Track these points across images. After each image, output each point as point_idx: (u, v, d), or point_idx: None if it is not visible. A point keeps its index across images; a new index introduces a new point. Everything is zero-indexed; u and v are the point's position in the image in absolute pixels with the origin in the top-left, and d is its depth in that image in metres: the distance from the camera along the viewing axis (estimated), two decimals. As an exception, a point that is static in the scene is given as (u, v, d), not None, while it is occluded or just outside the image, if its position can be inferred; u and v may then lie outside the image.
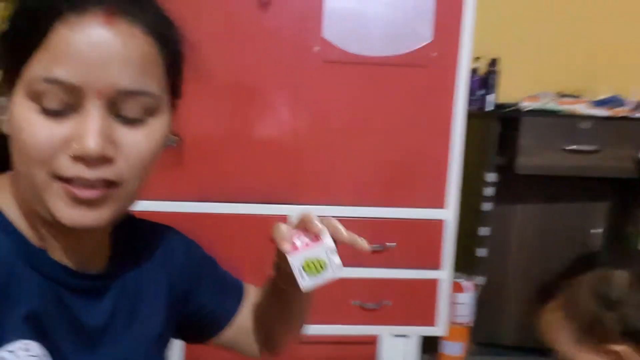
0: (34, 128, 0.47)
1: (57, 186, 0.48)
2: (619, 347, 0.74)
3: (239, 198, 1.58)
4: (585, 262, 0.85)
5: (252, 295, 0.76)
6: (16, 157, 0.49)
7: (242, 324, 0.74)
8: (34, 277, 0.51)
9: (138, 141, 0.50)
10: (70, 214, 0.49)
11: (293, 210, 1.60)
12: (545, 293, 0.84)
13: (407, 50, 1.55)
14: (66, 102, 0.47)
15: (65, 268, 0.53)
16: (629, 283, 0.76)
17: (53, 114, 0.47)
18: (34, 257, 0.51)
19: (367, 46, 1.54)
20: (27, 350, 0.48)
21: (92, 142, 0.46)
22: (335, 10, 1.52)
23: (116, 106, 0.49)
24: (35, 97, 0.47)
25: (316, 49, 1.53)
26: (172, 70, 0.54)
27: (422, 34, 1.55)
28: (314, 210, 1.66)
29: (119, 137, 0.49)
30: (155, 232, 0.66)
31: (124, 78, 0.48)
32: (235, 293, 0.74)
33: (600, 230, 1.83)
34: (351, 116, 1.59)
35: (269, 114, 1.57)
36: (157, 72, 0.51)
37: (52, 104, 0.47)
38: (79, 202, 0.49)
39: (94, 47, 0.46)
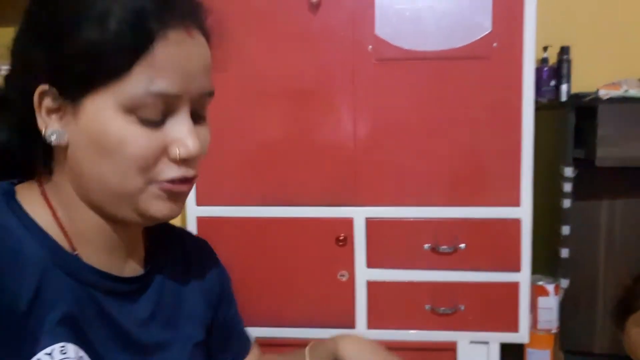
0: (136, 140, 0.49)
1: (155, 188, 0.52)
2: None
3: (301, 201, 1.61)
4: None
5: (256, 356, 0.75)
6: (106, 168, 0.50)
7: None
8: (68, 281, 0.51)
9: (206, 137, 0.56)
10: (163, 209, 0.53)
11: (355, 212, 1.60)
12: (629, 302, 0.77)
13: (466, 43, 1.51)
14: (163, 112, 0.51)
15: (99, 271, 0.54)
16: None
17: (153, 124, 0.50)
18: (68, 262, 0.52)
19: (422, 41, 1.52)
20: (64, 352, 0.49)
21: (195, 145, 0.51)
22: (386, 7, 1.51)
23: (196, 107, 0.54)
24: (133, 110, 0.49)
25: (370, 47, 1.53)
26: None
27: (481, 24, 1.50)
28: (379, 212, 1.64)
29: (198, 136, 0.54)
30: (191, 241, 0.68)
31: (208, 83, 0.54)
32: (240, 345, 0.73)
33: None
34: (411, 114, 1.56)
35: (327, 117, 1.59)
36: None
37: (152, 114, 0.50)
38: (171, 197, 0.53)
39: (189, 58, 0.51)
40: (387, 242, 1.61)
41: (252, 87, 1.57)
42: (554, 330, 1.70)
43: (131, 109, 0.49)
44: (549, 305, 1.68)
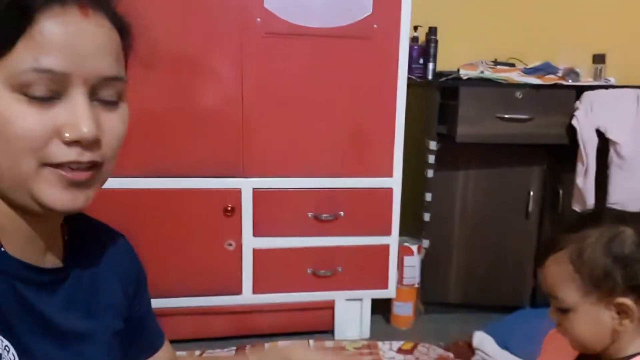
0: (24, 118, 0.48)
1: (49, 172, 0.50)
2: (625, 300, 0.79)
3: (189, 173, 1.60)
4: (587, 218, 0.90)
5: (169, 353, 0.77)
6: None
7: None
8: None
9: (116, 124, 0.55)
10: (61, 198, 0.51)
11: (243, 183, 1.63)
12: (550, 245, 0.86)
13: (349, 22, 1.59)
14: (52, 90, 0.49)
15: (21, 262, 0.53)
16: (636, 241, 0.80)
17: (40, 102, 0.49)
18: None
19: (308, 17, 1.56)
20: None
21: (87, 127, 0.50)
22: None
23: (96, 92, 0.52)
24: (20, 88, 0.48)
25: (258, 20, 1.54)
26: (126, 59, 0.58)
27: (363, 6, 1.58)
28: (265, 183, 1.69)
29: (100, 121, 0.53)
30: (108, 235, 0.68)
31: (107, 66, 0.52)
32: (151, 341, 0.75)
33: (535, 193, 1.95)
34: (296, 88, 1.62)
35: (214, 87, 1.58)
36: (123, 59, 0.56)
37: (39, 92, 0.48)
38: (71, 185, 0.52)
39: (79, 37, 0.50)
40: (273, 212, 1.68)
41: (137, 54, 1.49)
42: (416, 285, 1.93)
43: (18, 87, 0.48)
44: (413, 263, 1.90)
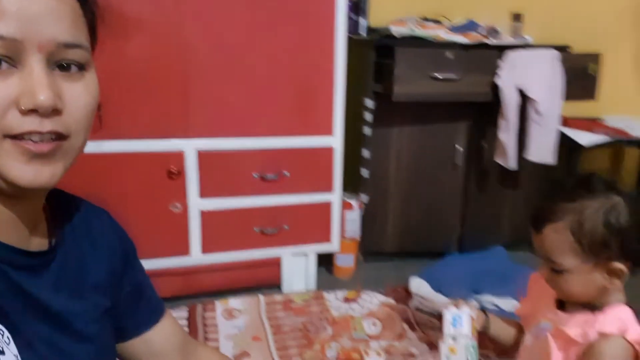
0: None
1: (8, 145, 0.49)
2: (620, 265, 0.91)
3: (130, 135, 1.56)
4: (579, 186, 0.96)
5: (171, 322, 0.78)
6: None
7: (153, 347, 0.75)
8: None
9: (79, 94, 0.53)
10: (25, 172, 0.50)
11: (187, 145, 1.62)
12: (547, 213, 0.94)
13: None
14: (7, 58, 0.48)
15: (7, 246, 0.53)
16: (629, 212, 0.91)
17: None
18: None
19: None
20: None
21: (44, 94, 0.48)
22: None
23: (55, 60, 0.51)
24: None
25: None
26: (91, 30, 0.57)
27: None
28: (209, 144, 1.68)
29: (61, 91, 0.51)
30: (92, 212, 0.68)
31: (62, 31, 0.50)
32: (152, 310, 0.76)
33: (462, 148, 2.10)
34: (237, 48, 1.60)
35: (153, 47, 1.53)
36: (84, 28, 0.54)
37: None
38: (33, 157, 0.50)
39: (31, 2, 0.48)
40: (219, 173, 1.69)
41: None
42: (357, 238, 2.04)
43: None
44: (354, 217, 2.00)
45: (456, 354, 1.04)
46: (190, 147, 1.63)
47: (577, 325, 0.94)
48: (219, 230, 1.73)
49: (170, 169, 1.62)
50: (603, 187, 0.94)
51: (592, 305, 0.95)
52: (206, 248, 1.72)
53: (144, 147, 1.58)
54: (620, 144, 2.42)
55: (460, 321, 1.08)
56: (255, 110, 1.68)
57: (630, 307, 0.95)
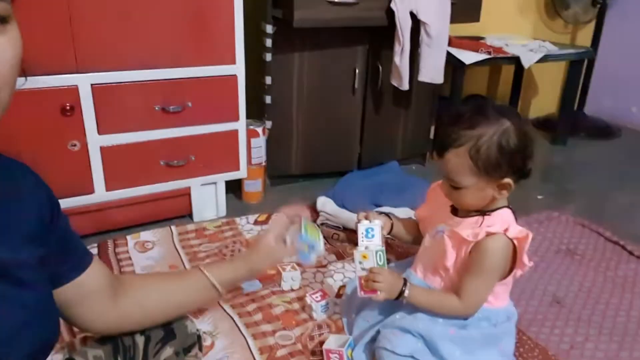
0: None
1: None
2: (508, 180, 1.06)
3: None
4: (476, 113, 1.07)
5: (99, 266, 0.82)
6: None
7: (84, 289, 0.79)
8: None
9: (3, 48, 0.53)
10: None
11: (79, 79, 1.53)
12: (449, 139, 1.06)
13: None
14: None
15: None
16: (517, 135, 1.04)
17: None
18: None
19: None
20: None
21: None
22: None
23: None
24: None
25: None
26: None
27: None
28: (104, 77, 1.62)
29: None
30: (18, 168, 0.68)
31: None
32: (81, 256, 0.80)
33: (360, 71, 2.18)
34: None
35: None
36: None
37: None
38: None
39: None
40: (117, 107, 1.63)
41: None
42: (263, 163, 2.10)
43: None
44: (259, 144, 2.05)
45: (367, 259, 1.18)
46: (83, 82, 1.54)
47: (468, 227, 1.10)
48: (122, 166, 1.69)
49: (64, 106, 1.53)
50: (496, 113, 1.07)
51: (482, 211, 1.12)
52: (110, 185, 1.69)
53: (32, 84, 1.46)
54: (501, 62, 2.65)
55: (372, 232, 1.21)
56: (151, 41, 1.61)
57: (511, 209, 1.13)
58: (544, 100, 3.39)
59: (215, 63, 1.74)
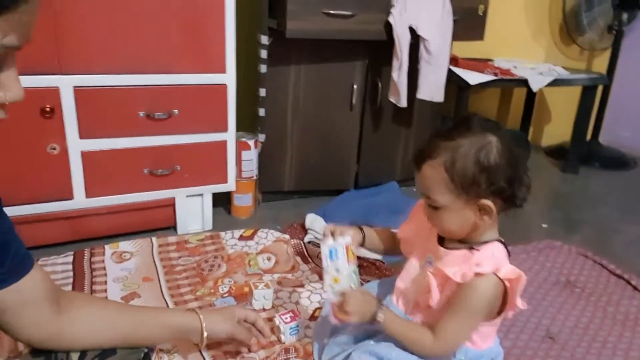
0: None
1: None
2: (487, 202, 0.94)
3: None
4: (459, 125, 0.97)
5: (40, 274, 0.80)
6: None
7: (22, 295, 0.76)
8: None
9: None
10: None
11: (61, 81, 1.50)
12: (426, 151, 0.96)
13: None
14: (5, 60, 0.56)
15: None
16: (499, 152, 0.92)
17: None
18: None
19: None
20: None
21: (22, 90, 0.61)
22: None
23: None
24: None
25: None
26: None
27: None
28: (87, 80, 1.59)
29: None
30: None
31: None
32: (18, 264, 0.76)
33: (358, 87, 2.13)
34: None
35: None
36: None
37: None
38: None
39: (35, 14, 0.60)
40: (100, 111, 1.59)
41: None
42: (254, 177, 2.04)
43: None
44: (250, 157, 1.99)
45: (339, 282, 1.09)
46: (65, 84, 1.51)
47: (455, 263, 0.98)
48: (103, 172, 1.65)
49: (44, 107, 1.50)
50: (480, 126, 0.96)
51: (469, 242, 1.01)
52: (90, 191, 1.65)
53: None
54: (508, 84, 2.57)
55: (336, 253, 1.12)
56: (138, 45, 1.58)
57: (504, 243, 1.01)
58: (557, 128, 3.29)
59: (204, 71, 1.70)
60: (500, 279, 0.93)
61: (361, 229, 1.27)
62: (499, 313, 1.00)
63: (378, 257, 1.64)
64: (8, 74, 0.58)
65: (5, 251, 0.73)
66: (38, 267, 0.80)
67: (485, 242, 1.00)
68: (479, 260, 0.95)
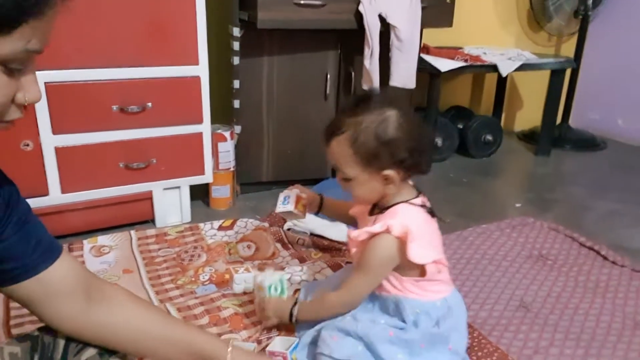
0: (2, 88, 0.55)
1: None
2: (389, 172, 1.02)
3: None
4: (362, 101, 1.03)
5: (69, 262, 0.77)
6: None
7: (50, 287, 0.75)
8: None
9: None
10: None
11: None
12: (333, 128, 1.03)
13: None
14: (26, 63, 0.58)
15: None
16: (398, 125, 0.99)
17: (14, 74, 0.56)
18: None
19: None
20: None
21: (39, 92, 0.62)
22: None
23: None
24: (4, 62, 0.54)
25: None
26: None
27: None
28: (58, 76, 1.60)
29: None
30: None
31: None
32: (44, 250, 0.74)
33: (331, 76, 2.15)
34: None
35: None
36: None
37: (18, 66, 0.57)
38: None
39: (57, 17, 0.60)
40: (73, 107, 1.59)
41: None
42: (232, 169, 2.05)
43: (2, 62, 0.54)
44: (227, 149, 2.00)
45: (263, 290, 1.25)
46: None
47: (364, 227, 1.09)
48: (78, 167, 1.65)
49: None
50: (381, 103, 1.02)
51: (380, 207, 1.10)
52: (66, 187, 1.64)
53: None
54: (479, 69, 2.62)
55: (288, 200, 1.28)
56: (109, 39, 1.58)
57: (417, 202, 1.08)
58: (529, 113, 3.36)
59: (177, 64, 1.71)
60: (395, 236, 1.02)
61: (321, 197, 1.37)
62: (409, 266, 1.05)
63: (341, 239, 1.70)
64: (28, 77, 0.60)
65: (27, 238, 0.72)
66: (66, 254, 0.77)
67: (392, 206, 1.07)
68: (379, 220, 1.05)
